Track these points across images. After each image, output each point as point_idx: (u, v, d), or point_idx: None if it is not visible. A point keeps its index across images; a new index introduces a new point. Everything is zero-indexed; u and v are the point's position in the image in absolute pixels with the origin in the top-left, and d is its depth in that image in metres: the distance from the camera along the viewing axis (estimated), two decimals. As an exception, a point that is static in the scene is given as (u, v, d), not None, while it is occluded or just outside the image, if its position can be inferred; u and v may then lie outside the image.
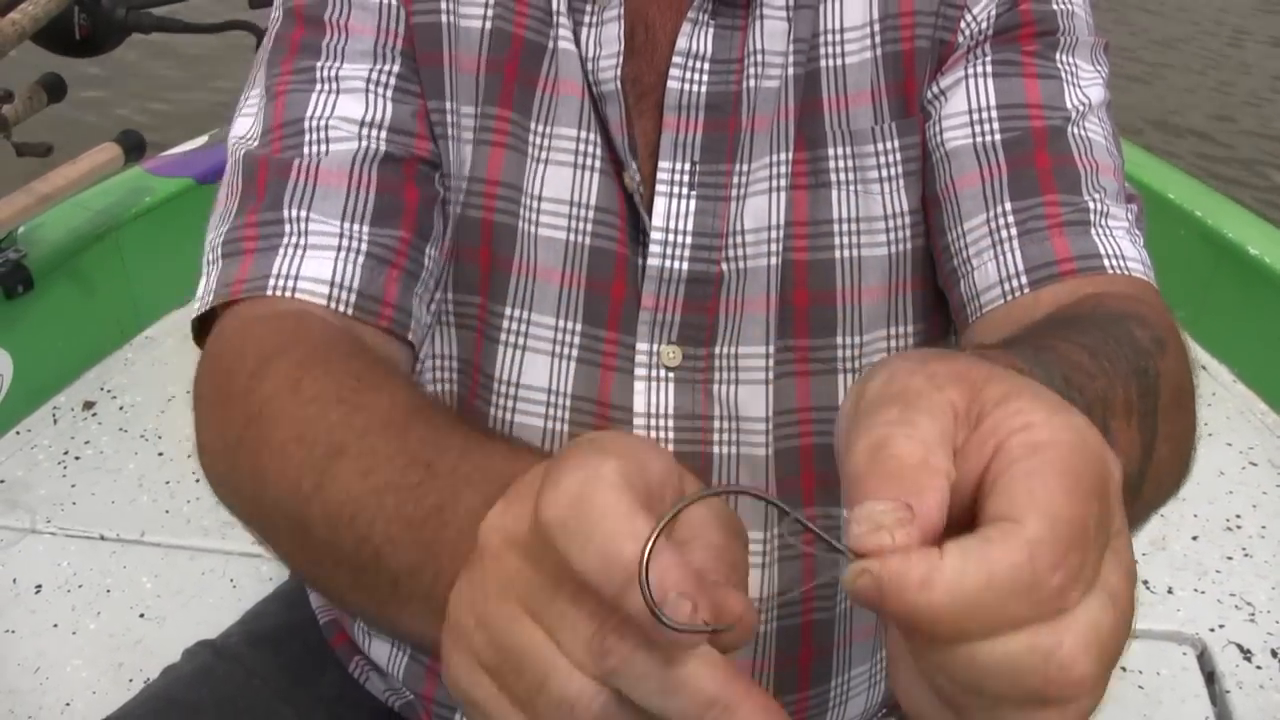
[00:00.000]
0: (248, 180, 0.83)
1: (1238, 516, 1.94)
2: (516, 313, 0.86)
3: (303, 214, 0.81)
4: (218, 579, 1.74)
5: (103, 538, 1.81)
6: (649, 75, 0.85)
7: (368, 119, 0.83)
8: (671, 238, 0.84)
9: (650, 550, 0.40)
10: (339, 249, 0.80)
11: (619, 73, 0.83)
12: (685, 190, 0.84)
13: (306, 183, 0.82)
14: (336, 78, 0.84)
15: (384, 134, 0.83)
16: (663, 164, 0.84)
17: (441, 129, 0.86)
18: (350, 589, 0.63)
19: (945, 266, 0.84)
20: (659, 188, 0.84)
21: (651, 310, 0.85)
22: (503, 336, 0.86)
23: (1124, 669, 1.64)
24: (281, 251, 0.80)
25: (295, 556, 0.69)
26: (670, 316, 0.85)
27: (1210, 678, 1.66)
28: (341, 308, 0.79)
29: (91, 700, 1.51)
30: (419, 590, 0.56)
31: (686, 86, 0.84)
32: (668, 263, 0.84)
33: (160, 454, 1.99)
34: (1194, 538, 1.89)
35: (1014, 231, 0.81)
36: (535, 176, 0.85)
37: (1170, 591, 1.78)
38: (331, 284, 0.79)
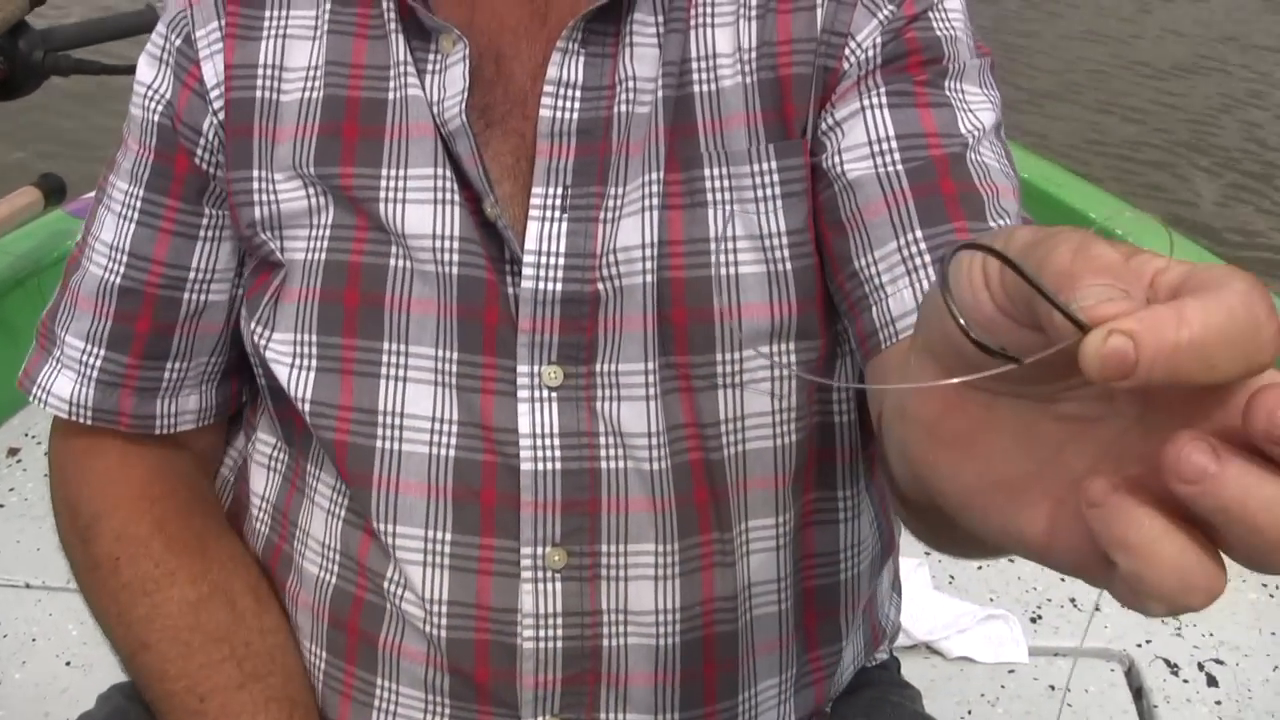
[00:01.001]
0: (61, 279, 1.00)
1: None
2: (394, 345, 0.88)
3: (62, 334, 0.97)
4: (143, 623, 1.72)
5: (28, 585, 1.79)
6: (502, 104, 0.88)
7: (116, 244, 0.95)
8: (545, 259, 0.85)
9: None
10: (79, 372, 0.96)
11: (463, 109, 0.86)
12: (557, 214, 0.86)
13: (70, 303, 0.97)
14: (111, 195, 0.97)
15: (124, 259, 0.95)
16: (536, 189, 0.86)
17: (247, 197, 0.92)
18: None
19: (853, 293, 0.84)
20: (532, 212, 0.86)
21: (529, 332, 0.86)
22: (382, 370, 0.88)
23: (1051, 687, 1.66)
24: (49, 362, 0.98)
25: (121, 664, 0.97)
26: (548, 337, 0.86)
27: (1138, 693, 1.67)
28: (82, 420, 0.97)
29: (14, 751, 1.49)
30: None
31: (558, 114, 0.86)
32: (542, 285, 0.85)
33: (86, 500, 1.97)
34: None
35: (927, 259, 0.81)
36: (393, 217, 0.88)
37: (1098, 608, 1.79)
38: (70, 402, 0.96)
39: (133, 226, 0.94)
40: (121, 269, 0.95)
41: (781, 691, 0.95)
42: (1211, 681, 1.68)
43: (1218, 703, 1.64)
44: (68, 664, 1.64)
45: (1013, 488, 0.48)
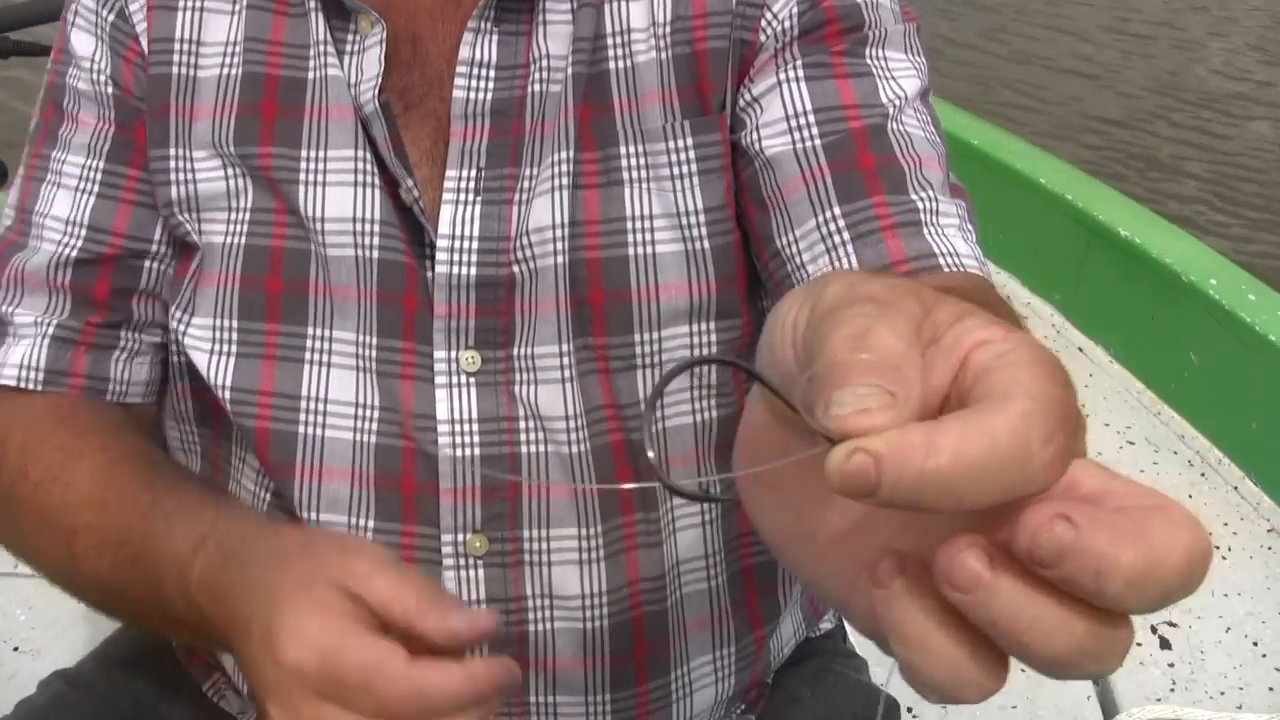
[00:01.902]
0: None
1: (1116, 496, 1.96)
2: (318, 331, 0.87)
3: (10, 310, 0.92)
4: (93, 608, 1.70)
5: (-26, 571, 1.77)
6: (420, 86, 0.87)
7: (73, 218, 0.92)
8: (458, 244, 0.85)
9: None
10: (33, 340, 0.91)
11: (376, 93, 0.85)
12: (471, 196, 0.85)
13: (16, 282, 0.92)
14: (61, 171, 0.93)
15: (83, 233, 0.91)
16: (450, 172, 0.85)
17: (165, 176, 0.90)
18: (135, 618, 0.90)
19: (777, 273, 0.84)
20: (445, 195, 0.85)
21: (445, 317, 0.85)
22: (307, 355, 0.87)
23: (1005, 652, 1.66)
24: None
25: (78, 595, 0.90)
26: (465, 322, 0.85)
27: (1091, 656, 1.67)
28: (31, 385, 0.91)
29: (-40, 738, 1.48)
30: (181, 621, 0.79)
31: (472, 95, 0.85)
32: (456, 269, 0.85)
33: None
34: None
35: (846, 236, 0.81)
36: (314, 200, 0.86)
37: (1051, 573, 1.80)
38: (20, 366, 0.91)
39: (92, 199, 0.91)
40: (79, 242, 0.91)
41: (717, 667, 0.95)
42: (1164, 644, 1.68)
43: (1171, 665, 1.65)
44: (15, 649, 1.63)
45: (821, 543, 0.47)
